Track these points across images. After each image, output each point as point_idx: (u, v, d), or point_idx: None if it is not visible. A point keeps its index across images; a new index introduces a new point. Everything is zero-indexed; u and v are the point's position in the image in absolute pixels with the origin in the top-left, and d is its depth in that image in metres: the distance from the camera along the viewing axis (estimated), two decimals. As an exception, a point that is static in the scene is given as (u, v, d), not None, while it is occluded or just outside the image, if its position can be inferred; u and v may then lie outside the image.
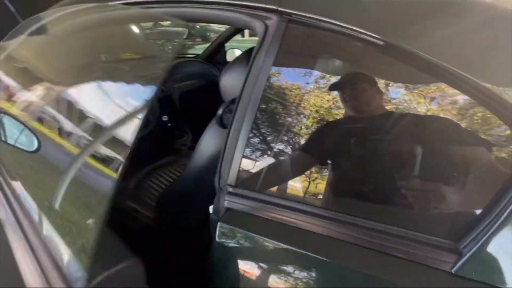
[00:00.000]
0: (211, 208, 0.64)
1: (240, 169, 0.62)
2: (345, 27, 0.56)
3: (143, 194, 1.24)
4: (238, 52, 2.43)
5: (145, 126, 1.45)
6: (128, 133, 0.53)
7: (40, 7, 1.06)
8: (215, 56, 2.40)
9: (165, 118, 1.79)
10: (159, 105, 1.70)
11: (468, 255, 0.43)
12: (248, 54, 0.70)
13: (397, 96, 0.58)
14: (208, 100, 2.54)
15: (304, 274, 0.55)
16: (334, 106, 0.62)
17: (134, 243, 0.56)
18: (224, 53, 2.44)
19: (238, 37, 2.86)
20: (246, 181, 0.64)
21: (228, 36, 2.21)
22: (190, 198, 0.85)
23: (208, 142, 0.82)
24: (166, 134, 1.92)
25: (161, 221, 0.98)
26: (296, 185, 0.63)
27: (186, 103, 2.17)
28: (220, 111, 0.77)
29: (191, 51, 3.45)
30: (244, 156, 0.62)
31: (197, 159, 0.82)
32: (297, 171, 0.64)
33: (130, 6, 0.83)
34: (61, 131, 0.72)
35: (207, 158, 0.80)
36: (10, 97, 0.94)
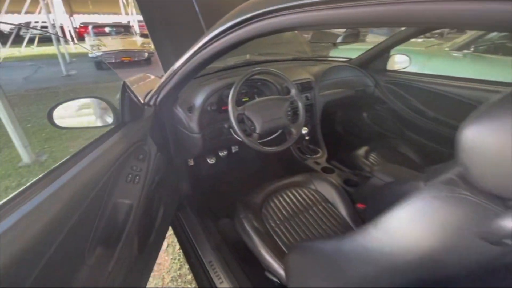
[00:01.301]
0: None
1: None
2: None
3: (266, 213, 1.11)
4: (402, 58, 1.93)
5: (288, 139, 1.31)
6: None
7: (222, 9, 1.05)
8: (372, 63, 2.00)
9: (304, 130, 1.62)
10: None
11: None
12: None
13: None
14: (354, 115, 2.26)
15: None
16: None
17: None
18: (384, 59, 1.99)
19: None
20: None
21: (398, 41, 1.75)
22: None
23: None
24: (301, 148, 1.76)
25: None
26: None
27: (329, 115, 1.94)
28: None
29: (342, 53, 3.13)
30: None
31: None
32: None
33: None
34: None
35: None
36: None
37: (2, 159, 2.99)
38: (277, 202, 1.18)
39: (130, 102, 0.94)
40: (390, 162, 1.56)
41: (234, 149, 1.78)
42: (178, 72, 0.93)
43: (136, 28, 11.41)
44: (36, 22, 9.16)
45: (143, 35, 9.03)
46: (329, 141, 1.86)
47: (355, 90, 1.95)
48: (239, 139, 1.18)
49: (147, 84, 1.42)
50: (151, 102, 1.09)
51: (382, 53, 1.91)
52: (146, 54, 7.81)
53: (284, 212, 1.12)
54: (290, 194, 1.21)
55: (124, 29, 9.15)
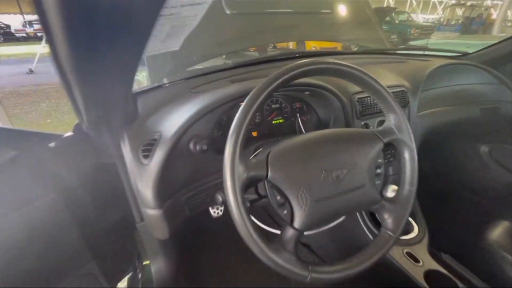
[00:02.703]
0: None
1: None
2: None
3: None
4: None
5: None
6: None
7: None
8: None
9: (393, 191, 0.83)
10: None
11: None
12: None
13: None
14: (472, 152, 1.33)
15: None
16: None
17: None
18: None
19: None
20: None
21: None
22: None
23: None
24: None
25: None
26: None
27: (427, 153, 1.12)
28: None
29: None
30: None
31: None
32: None
33: None
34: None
35: None
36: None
37: None
38: None
39: None
40: None
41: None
42: None
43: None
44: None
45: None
46: (428, 203, 1.03)
47: (480, 108, 1.08)
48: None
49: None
50: None
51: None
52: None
53: None
54: None
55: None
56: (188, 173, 0.64)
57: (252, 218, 0.51)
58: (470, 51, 1.26)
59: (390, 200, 0.55)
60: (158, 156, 0.57)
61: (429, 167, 1.31)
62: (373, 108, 0.87)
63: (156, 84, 0.80)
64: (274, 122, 0.84)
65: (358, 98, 0.84)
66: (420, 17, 14.04)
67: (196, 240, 1.13)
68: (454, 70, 1.10)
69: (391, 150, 0.83)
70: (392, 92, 0.88)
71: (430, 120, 1.00)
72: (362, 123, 0.86)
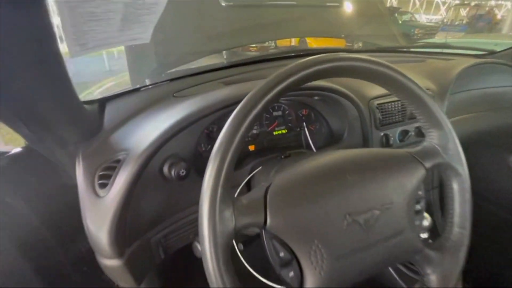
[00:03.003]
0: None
1: None
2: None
3: None
4: None
5: None
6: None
7: None
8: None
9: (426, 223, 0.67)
10: None
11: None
12: None
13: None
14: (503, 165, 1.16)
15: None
16: None
17: None
18: None
19: None
20: None
21: None
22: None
23: None
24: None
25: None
26: None
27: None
28: None
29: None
30: None
31: None
32: None
33: None
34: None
35: None
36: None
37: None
38: None
39: None
40: None
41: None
42: None
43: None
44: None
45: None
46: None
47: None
48: None
49: None
50: None
51: None
52: None
53: None
54: None
55: None
56: (162, 206, 0.49)
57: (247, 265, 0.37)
58: (498, 49, 1.11)
59: (435, 248, 0.40)
60: (119, 185, 0.42)
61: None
62: (395, 116, 0.72)
63: (129, 88, 0.66)
64: (275, 133, 0.69)
65: (378, 104, 0.69)
66: (423, 18, 13.85)
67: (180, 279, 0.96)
68: (484, 71, 0.95)
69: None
70: None
71: (460, 129, 0.85)
72: (382, 133, 0.71)
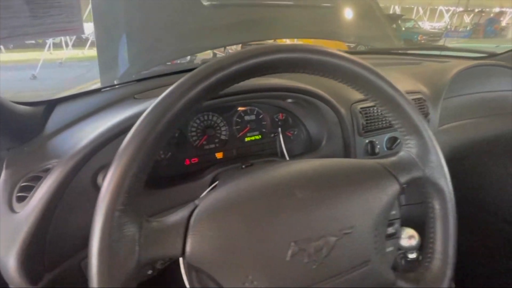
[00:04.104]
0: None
1: None
2: None
3: None
4: None
5: None
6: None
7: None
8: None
9: (412, 240, 0.60)
10: None
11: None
12: None
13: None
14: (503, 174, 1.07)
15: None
16: None
17: None
18: None
19: None
20: None
21: None
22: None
23: None
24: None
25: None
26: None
27: (453, 175, 0.91)
28: None
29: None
30: None
31: None
32: None
33: None
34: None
35: None
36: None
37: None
38: None
39: None
40: None
41: None
42: None
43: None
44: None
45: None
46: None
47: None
48: None
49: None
50: None
51: None
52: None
53: None
54: None
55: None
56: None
57: None
58: (499, 51, 1.04)
59: (412, 280, 0.32)
60: (38, 198, 0.36)
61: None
62: (382, 122, 0.65)
63: (87, 89, 0.60)
64: (247, 139, 0.63)
65: (362, 107, 0.62)
66: (427, 25, 13.80)
67: None
68: (484, 74, 0.88)
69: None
70: None
71: (456, 136, 0.78)
72: (367, 140, 0.64)
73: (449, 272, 0.33)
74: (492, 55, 1.02)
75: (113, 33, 0.82)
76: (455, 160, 0.88)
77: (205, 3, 0.97)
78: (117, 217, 0.22)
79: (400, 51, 1.10)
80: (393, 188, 0.32)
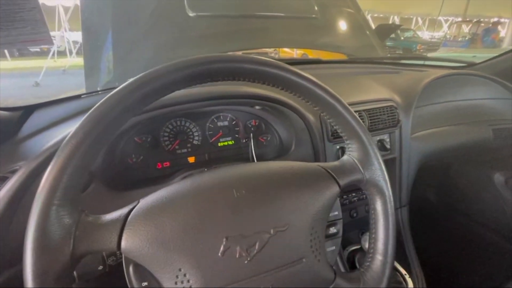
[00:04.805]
0: None
1: None
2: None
3: None
4: None
5: None
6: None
7: None
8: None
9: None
10: None
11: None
12: None
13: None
14: (482, 182, 1.07)
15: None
16: None
17: None
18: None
19: None
20: None
21: None
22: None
23: None
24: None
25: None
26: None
27: (424, 183, 0.91)
28: None
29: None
30: None
31: None
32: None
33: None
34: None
35: None
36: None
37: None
38: None
39: None
40: None
41: None
42: None
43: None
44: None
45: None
46: (428, 244, 0.81)
47: (492, 129, 0.87)
48: None
49: None
50: None
51: None
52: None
53: None
54: None
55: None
56: None
57: None
58: (478, 61, 1.06)
59: (351, 279, 0.34)
60: (0, 199, 0.38)
61: (429, 199, 1.08)
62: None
63: (67, 95, 0.63)
64: (220, 144, 0.65)
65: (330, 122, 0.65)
66: (426, 35, 13.97)
67: None
68: (459, 83, 0.90)
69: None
70: (377, 108, 0.69)
71: (428, 143, 0.80)
72: (337, 147, 0.66)
73: (388, 272, 0.34)
74: (470, 65, 1.05)
75: (99, 42, 0.86)
76: (430, 166, 0.89)
77: (191, 14, 1.01)
78: (54, 211, 0.24)
79: (381, 61, 1.13)
80: (332, 190, 0.34)
